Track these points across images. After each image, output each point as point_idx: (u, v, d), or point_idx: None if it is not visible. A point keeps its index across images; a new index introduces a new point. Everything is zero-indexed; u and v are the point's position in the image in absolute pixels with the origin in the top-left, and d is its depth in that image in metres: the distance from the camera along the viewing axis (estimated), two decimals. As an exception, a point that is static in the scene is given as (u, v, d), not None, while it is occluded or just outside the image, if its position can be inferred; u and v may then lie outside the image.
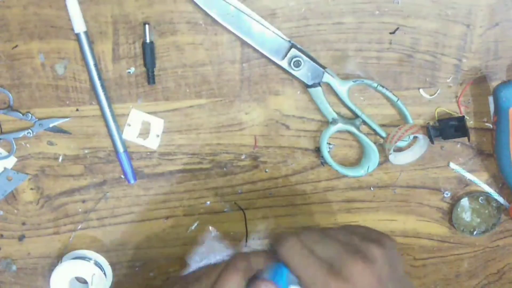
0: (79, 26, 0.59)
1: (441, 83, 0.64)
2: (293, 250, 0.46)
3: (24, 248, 0.67)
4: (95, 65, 0.60)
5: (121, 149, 0.63)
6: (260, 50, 0.60)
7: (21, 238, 0.66)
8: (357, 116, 0.63)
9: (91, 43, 0.60)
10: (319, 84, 0.62)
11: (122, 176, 0.65)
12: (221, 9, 0.59)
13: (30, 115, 0.62)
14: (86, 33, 0.59)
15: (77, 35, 0.59)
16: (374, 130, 0.64)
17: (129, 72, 0.61)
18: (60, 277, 0.65)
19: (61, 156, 0.64)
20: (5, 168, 0.64)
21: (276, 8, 0.60)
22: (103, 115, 0.62)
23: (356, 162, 0.66)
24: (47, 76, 0.61)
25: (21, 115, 0.62)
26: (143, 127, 0.63)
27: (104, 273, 0.66)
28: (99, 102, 0.61)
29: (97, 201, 0.66)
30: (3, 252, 0.67)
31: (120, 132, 0.63)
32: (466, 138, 0.64)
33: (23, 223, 0.66)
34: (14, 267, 0.68)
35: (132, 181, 0.64)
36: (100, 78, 0.60)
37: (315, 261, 0.45)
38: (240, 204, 0.67)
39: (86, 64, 0.60)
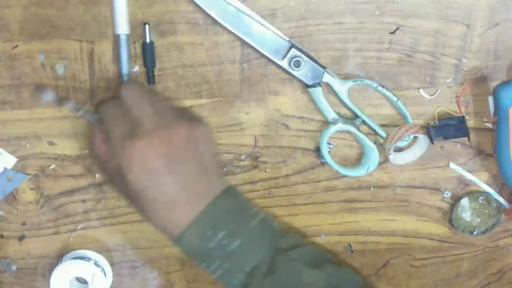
0: (122, 27, 0.59)
1: (441, 83, 0.64)
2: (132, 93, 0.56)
3: (24, 248, 0.67)
4: (128, 71, 0.60)
5: None
6: (260, 50, 0.60)
7: (21, 238, 0.66)
8: (357, 116, 0.63)
9: (129, 46, 0.60)
10: (319, 84, 0.62)
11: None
12: (221, 9, 0.59)
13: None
14: (127, 35, 0.59)
15: (118, 36, 0.59)
16: (374, 130, 0.64)
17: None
18: (60, 277, 0.65)
19: (61, 156, 0.64)
20: (5, 168, 0.64)
21: (276, 8, 0.60)
22: None
23: (356, 162, 0.66)
24: (47, 76, 0.61)
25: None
26: (143, 127, 0.63)
27: (104, 273, 0.66)
28: None
29: (97, 201, 0.66)
30: (3, 252, 0.67)
31: None
32: (466, 138, 0.64)
33: (23, 223, 0.66)
34: (14, 267, 0.68)
35: None
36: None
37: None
38: (240, 204, 0.67)
39: (120, 68, 0.60)
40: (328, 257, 0.59)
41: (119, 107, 0.55)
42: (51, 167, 0.64)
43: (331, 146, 0.65)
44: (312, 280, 0.55)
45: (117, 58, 0.60)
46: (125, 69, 0.60)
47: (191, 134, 0.54)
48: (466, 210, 0.68)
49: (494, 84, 0.63)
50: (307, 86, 0.62)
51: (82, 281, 0.67)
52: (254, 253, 0.55)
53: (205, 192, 0.54)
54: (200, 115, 0.62)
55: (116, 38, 0.60)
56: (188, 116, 0.57)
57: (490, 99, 0.64)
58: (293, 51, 0.60)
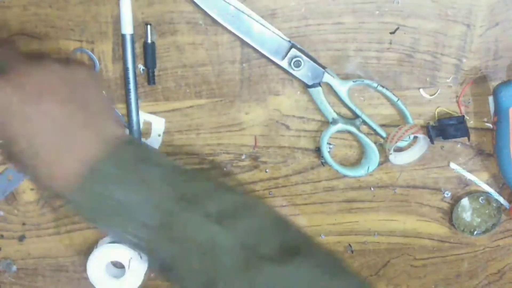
0: (127, 28, 0.59)
1: (441, 83, 0.64)
2: None
3: (24, 249, 0.67)
4: (133, 69, 0.60)
5: None
6: (260, 50, 0.60)
7: (21, 238, 0.66)
8: (357, 116, 0.63)
9: (133, 45, 0.60)
10: (319, 84, 0.62)
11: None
12: (221, 9, 0.59)
13: None
14: (132, 35, 0.59)
15: (123, 36, 0.59)
16: (374, 130, 0.64)
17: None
18: (97, 261, 0.64)
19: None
20: (5, 168, 0.64)
21: (276, 8, 0.60)
22: (129, 118, 0.62)
23: (356, 162, 0.66)
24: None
25: None
26: (144, 127, 0.63)
27: (141, 257, 0.65)
28: (128, 105, 0.61)
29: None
30: (3, 252, 0.67)
31: (140, 137, 0.62)
32: (466, 138, 0.64)
33: (23, 224, 0.66)
34: (14, 268, 0.68)
35: None
36: (135, 81, 0.61)
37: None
38: (240, 204, 0.67)
39: (125, 67, 0.60)
40: (258, 208, 0.51)
41: None
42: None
43: (331, 146, 0.65)
44: (211, 236, 0.47)
45: (120, 58, 0.60)
46: (129, 68, 0.60)
47: (67, 77, 0.48)
48: (466, 210, 0.68)
49: (494, 84, 0.63)
50: (307, 86, 0.62)
51: (118, 265, 0.66)
52: (149, 205, 0.47)
53: (93, 141, 0.47)
54: (85, 62, 0.59)
55: (117, 39, 0.60)
56: (69, 62, 0.51)
57: (490, 99, 0.64)
58: (293, 51, 0.60)
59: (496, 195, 0.67)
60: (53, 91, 0.47)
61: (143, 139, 0.63)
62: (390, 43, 0.62)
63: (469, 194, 0.68)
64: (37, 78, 0.47)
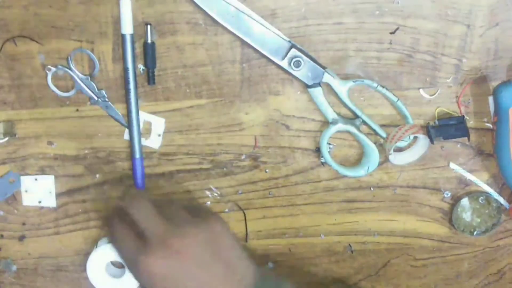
0: (127, 28, 0.59)
1: (441, 83, 0.64)
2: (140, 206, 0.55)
3: (24, 248, 0.67)
4: (133, 69, 0.60)
5: (137, 154, 0.63)
6: (260, 50, 0.60)
7: (21, 238, 0.66)
8: (357, 116, 0.63)
9: (133, 45, 0.60)
10: (319, 84, 0.62)
11: (123, 177, 0.65)
12: (221, 9, 0.59)
13: None
14: (132, 35, 0.59)
15: (123, 36, 0.59)
16: (374, 130, 0.64)
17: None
18: (96, 262, 0.64)
19: (61, 156, 0.64)
20: (8, 171, 0.64)
21: (276, 8, 0.60)
22: (129, 118, 0.62)
23: (356, 162, 0.66)
24: (47, 76, 0.61)
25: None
26: (144, 127, 0.63)
27: None
28: (128, 105, 0.61)
29: (97, 201, 0.66)
30: (3, 252, 0.67)
31: (140, 137, 0.63)
32: (466, 138, 0.64)
33: (23, 223, 0.66)
34: (14, 267, 0.68)
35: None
36: (135, 81, 0.61)
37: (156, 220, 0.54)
38: (240, 204, 0.67)
39: (125, 67, 0.60)
40: None
41: (125, 223, 0.55)
42: (51, 167, 0.64)
43: (331, 146, 0.65)
44: None
45: (120, 58, 0.60)
46: (129, 68, 0.60)
47: (206, 235, 0.53)
48: (466, 210, 0.68)
49: (494, 84, 0.63)
50: (307, 86, 0.62)
51: (118, 265, 0.66)
52: None
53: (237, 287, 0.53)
54: (211, 209, 0.63)
55: (117, 39, 0.60)
56: (200, 215, 0.55)
57: (490, 99, 0.64)
58: (293, 51, 0.60)
59: (496, 195, 0.67)
60: (195, 254, 0.52)
61: (143, 139, 0.63)
62: (390, 43, 0.62)
63: (469, 194, 0.68)
64: (178, 246, 0.51)
